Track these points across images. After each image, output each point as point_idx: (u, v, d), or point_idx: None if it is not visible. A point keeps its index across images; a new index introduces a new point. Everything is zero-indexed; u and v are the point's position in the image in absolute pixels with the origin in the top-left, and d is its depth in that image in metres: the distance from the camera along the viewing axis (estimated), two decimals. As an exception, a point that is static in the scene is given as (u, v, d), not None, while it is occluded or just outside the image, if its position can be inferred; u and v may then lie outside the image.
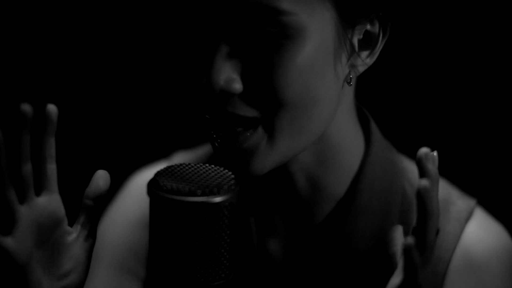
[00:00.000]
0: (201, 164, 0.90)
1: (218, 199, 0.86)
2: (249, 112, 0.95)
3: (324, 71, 0.96)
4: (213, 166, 0.90)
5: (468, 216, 1.09)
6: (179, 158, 1.22)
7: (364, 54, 1.00)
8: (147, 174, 1.22)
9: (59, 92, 1.91)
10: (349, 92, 1.05)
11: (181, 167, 0.89)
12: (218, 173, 0.89)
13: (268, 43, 0.93)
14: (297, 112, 0.95)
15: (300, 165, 1.06)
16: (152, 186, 0.87)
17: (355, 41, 0.99)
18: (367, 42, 1.00)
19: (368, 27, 0.99)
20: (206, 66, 0.94)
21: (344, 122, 1.06)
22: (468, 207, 1.10)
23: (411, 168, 1.12)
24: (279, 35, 0.93)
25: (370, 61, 1.01)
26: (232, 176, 0.89)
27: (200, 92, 0.96)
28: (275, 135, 0.96)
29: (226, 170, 0.90)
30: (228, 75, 0.94)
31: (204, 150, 1.20)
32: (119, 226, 1.20)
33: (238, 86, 0.94)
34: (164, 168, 0.89)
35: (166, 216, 0.86)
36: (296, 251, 1.09)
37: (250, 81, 0.94)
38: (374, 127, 1.11)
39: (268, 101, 0.94)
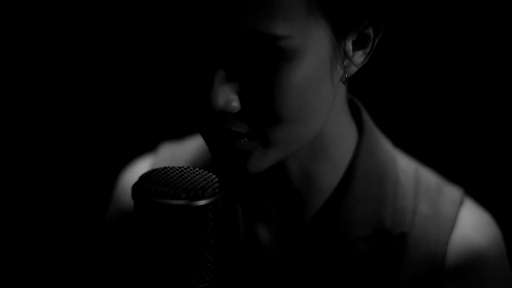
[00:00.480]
0: (185, 167, 0.90)
1: (202, 202, 0.86)
2: (246, 128, 0.96)
3: (320, 84, 0.96)
4: (197, 169, 0.90)
5: (461, 200, 1.11)
6: (166, 150, 1.22)
7: (358, 54, 1.00)
8: (136, 169, 1.23)
9: (48, 89, 1.91)
10: (342, 88, 1.05)
11: (166, 170, 0.89)
12: (203, 176, 0.89)
13: (265, 65, 0.93)
14: (294, 126, 0.96)
15: (294, 156, 1.07)
16: (137, 189, 0.88)
17: (349, 45, 0.99)
18: (361, 42, 1.00)
19: (362, 29, 0.99)
20: (205, 88, 0.94)
21: (337, 116, 1.06)
22: (459, 193, 1.12)
23: (400, 156, 1.14)
24: (276, 58, 0.93)
25: (364, 60, 1.01)
26: (217, 179, 0.89)
27: (199, 110, 0.96)
28: (271, 146, 0.97)
29: (211, 173, 0.90)
30: (227, 97, 0.94)
31: (193, 142, 1.20)
32: (117, 232, 1.20)
33: (236, 105, 0.94)
34: (149, 171, 0.89)
35: (151, 219, 0.86)
36: (290, 240, 1.10)
37: (248, 100, 0.95)
38: (365, 116, 1.12)
39: (266, 117, 0.95)
